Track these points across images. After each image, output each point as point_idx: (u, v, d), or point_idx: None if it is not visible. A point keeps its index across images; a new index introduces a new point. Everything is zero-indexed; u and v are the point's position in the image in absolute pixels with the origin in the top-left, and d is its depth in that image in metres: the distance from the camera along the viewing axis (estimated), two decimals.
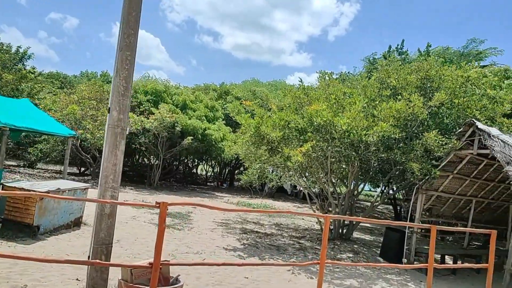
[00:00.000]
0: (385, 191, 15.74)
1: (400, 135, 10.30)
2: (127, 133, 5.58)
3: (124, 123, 5.41)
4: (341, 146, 10.68)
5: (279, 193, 29.60)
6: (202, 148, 23.17)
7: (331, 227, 12.81)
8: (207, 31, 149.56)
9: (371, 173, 13.25)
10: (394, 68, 12.66)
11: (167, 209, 4.21)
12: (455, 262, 11.64)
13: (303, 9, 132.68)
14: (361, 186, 14.91)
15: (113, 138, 5.36)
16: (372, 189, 34.92)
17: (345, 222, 13.35)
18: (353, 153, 10.93)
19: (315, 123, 9.94)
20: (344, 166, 12.00)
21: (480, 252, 12.23)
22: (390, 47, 23.17)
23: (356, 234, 14.98)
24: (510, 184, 13.16)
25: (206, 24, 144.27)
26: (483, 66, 19.63)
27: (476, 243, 15.47)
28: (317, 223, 13.74)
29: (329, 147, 10.52)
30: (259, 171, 12.90)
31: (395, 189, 15.68)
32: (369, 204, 31.02)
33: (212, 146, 22.89)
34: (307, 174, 13.23)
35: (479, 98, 11.65)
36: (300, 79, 12.13)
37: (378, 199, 15.37)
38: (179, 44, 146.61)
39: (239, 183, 27.12)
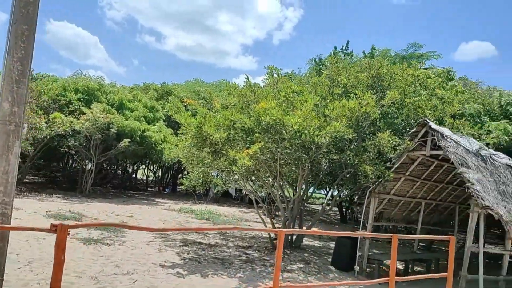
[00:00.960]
0: (335, 194, 15.20)
1: (352, 135, 9.66)
2: (24, 132, 4.29)
3: (20, 119, 4.12)
4: (291, 147, 9.86)
5: (225, 197, 28.56)
6: (140, 151, 21.54)
7: None
8: (149, 30, 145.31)
9: (321, 176, 12.60)
10: (344, 66, 12.09)
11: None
12: (406, 267, 11.23)
13: (247, 12, 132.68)
14: (311, 189, 14.28)
15: (4, 138, 4.06)
16: (316, 191, 34.74)
17: (295, 228, 12.59)
18: (304, 155, 10.16)
19: (263, 122, 9.02)
20: (294, 169, 11.20)
21: (430, 256, 11.96)
22: (335, 47, 23.02)
23: (305, 240, 14.26)
24: (459, 186, 13.08)
25: (148, 23, 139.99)
26: (425, 69, 19.84)
27: (422, 244, 15.36)
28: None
29: (279, 149, 9.64)
30: (201, 175, 11.77)
31: (345, 192, 15.22)
32: (315, 206, 30.83)
33: (152, 149, 21.35)
34: (253, 178, 12.31)
35: (428, 98, 11.35)
36: (247, 76, 11.20)
37: (328, 202, 14.77)
38: (119, 43, 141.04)
39: (182, 188, 25.72)
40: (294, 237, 12.26)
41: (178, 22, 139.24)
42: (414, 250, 12.28)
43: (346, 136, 9.54)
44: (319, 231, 6.10)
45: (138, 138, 20.69)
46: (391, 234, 6.46)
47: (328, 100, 10.76)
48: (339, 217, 25.79)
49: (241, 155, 9.00)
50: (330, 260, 11.07)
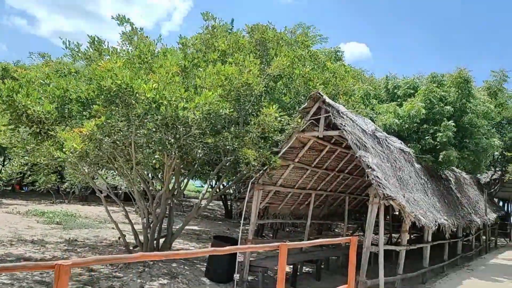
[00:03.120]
0: (214, 187, 13.05)
1: (231, 111, 7.49)
2: None
3: None
4: (150, 127, 7.35)
5: (94, 194, 24.75)
6: None
7: (141, 240, 9.41)
8: (19, 12, 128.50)
9: (196, 166, 10.28)
10: (222, 30, 9.90)
11: None
12: (295, 270, 9.49)
13: None
14: (185, 182, 11.89)
15: None
16: (203, 185, 32.38)
17: (163, 229, 10.14)
18: (169, 138, 7.73)
19: (105, 88, 6.34)
20: (157, 156, 8.70)
21: (320, 255, 10.43)
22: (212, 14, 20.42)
23: (177, 243, 11.86)
24: (350, 174, 11.85)
25: (17, 4, 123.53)
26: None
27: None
28: (119, 238, 10.13)
29: (131, 129, 7.06)
30: (25, 167, 8.63)
31: (226, 184, 13.19)
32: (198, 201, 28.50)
33: None
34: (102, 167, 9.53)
35: (320, 71, 9.72)
36: (95, 36, 8.25)
37: (205, 197, 12.51)
38: None
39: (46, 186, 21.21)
40: (161, 241, 9.79)
41: (54, 5, 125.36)
42: (304, 249, 10.66)
43: (222, 112, 7.31)
44: (177, 252, 3.74)
45: None
46: (278, 244, 4.43)
47: (202, 68, 8.46)
48: (224, 211, 23.87)
49: (70, 135, 6.21)
50: (204, 269, 8.83)
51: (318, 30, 10.44)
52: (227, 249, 4.00)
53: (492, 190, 21.17)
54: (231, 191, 20.67)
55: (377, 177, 7.16)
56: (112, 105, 6.67)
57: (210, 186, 12.76)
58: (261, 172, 8.32)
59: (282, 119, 7.72)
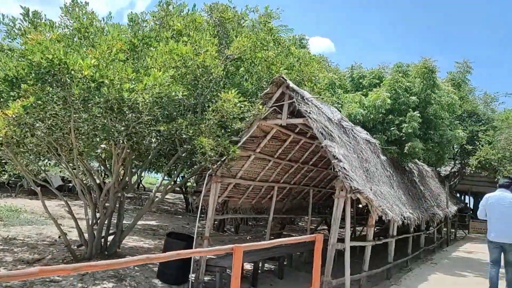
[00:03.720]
0: (168, 180, 12.22)
1: (184, 94, 6.73)
2: None
3: None
4: (95, 112, 6.47)
5: (45, 188, 23.15)
6: None
7: (87, 239, 8.49)
8: None
9: (150, 156, 9.44)
10: (178, 9, 9.08)
11: None
12: (256, 269, 8.89)
13: None
14: (138, 174, 11.04)
15: None
16: (165, 178, 31.21)
17: (111, 227, 9.28)
18: (116, 124, 6.89)
19: (35, 63, 5.42)
20: (104, 145, 7.82)
21: (282, 251, 9.86)
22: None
23: (131, 240, 11.01)
24: (315, 166, 11.35)
25: None
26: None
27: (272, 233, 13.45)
28: (59, 237, 9.14)
29: (68, 113, 6.16)
30: None
31: (179, 177, 12.36)
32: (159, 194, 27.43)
33: None
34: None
35: (284, 55, 9.10)
36: (35, 10, 7.21)
37: (160, 189, 11.65)
38: None
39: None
40: (110, 239, 8.93)
41: None
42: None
43: (175, 95, 6.53)
44: (96, 263, 2.96)
45: None
46: (232, 246, 3.79)
47: (154, 48, 7.62)
48: (185, 205, 23.00)
49: None
50: (156, 270, 8.06)
51: (282, 11, 9.78)
52: (167, 255, 3.31)
53: (452, 182, 21.45)
54: (190, 184, 19.87)
55: (344, 168, 6.63)
56: (44, 84, 5.75)
57: (164, 179, 11.89)
58: (219, 163, 7.62)
59: (242, 106, 7.03)
